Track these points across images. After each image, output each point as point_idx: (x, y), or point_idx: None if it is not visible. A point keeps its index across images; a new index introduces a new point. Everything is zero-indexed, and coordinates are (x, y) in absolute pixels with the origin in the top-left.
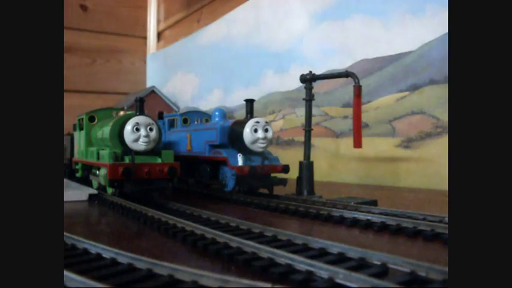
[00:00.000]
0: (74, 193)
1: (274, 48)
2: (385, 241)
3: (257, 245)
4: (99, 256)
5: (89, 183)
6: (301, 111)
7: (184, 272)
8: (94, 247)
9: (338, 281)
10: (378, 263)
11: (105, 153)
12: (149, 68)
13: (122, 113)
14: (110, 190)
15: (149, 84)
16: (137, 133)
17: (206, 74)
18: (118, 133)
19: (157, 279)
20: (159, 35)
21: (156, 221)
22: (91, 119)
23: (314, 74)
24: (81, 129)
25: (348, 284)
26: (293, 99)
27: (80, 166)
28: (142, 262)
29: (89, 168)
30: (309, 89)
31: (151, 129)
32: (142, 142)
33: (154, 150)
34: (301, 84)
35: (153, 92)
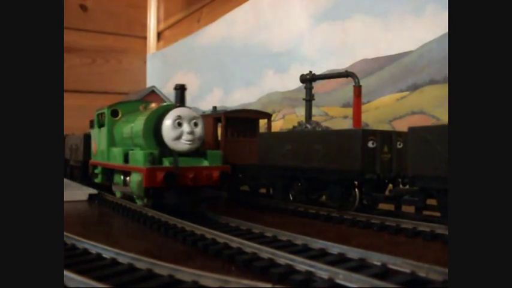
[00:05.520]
0: (74, 193)
1: (274, 48)
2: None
3: (257, 245)
4: (99, 256)
5: (110, 190)
6: (301, 111)
7: (184, 272)
8: (94, 247)
9: (338, 281)
10: (378, 263)
11: (138, 154)
12: (149, 68)
13: (153, 105)
14: (139, 201)
15: (149, 84)
16: (179, 129)
17: (206, 74)
18: (154, 129)
19: (157, 279)
20: (159, 35)
21: (156, 221)
22: (114, 113)
23: (314, 74)
24: (100, 126)
25: (348, 284)
26: (293, 99)
27: (99, 170)
28: (142, 262)
29: (110, 173)
30: (309, 89)
31: (196, 124)
32: (186, 140)
33: (199, 150)
34: (301, 84)
35: (153, 92)
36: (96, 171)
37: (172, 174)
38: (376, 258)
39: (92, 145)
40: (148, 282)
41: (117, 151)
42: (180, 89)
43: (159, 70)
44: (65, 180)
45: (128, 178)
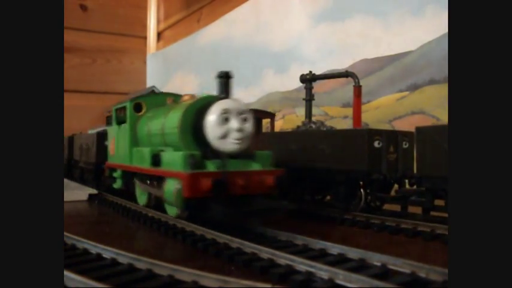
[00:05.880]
0: (74, 193)
1: (274, 48)
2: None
3: (257, 245)
4: (99, 256)
5: (131, 197)
6: (301, 111)
7: (184, 272)
8: (94, 247)
9: (338, 281)
10: (378, 264)
11: (176, 156)
12: (149, 68)
13: (186, 97)
14: (173, 210)
15: (149, 84)
16: (226, 125)
17: (206, 74)
18: (194, 126)
19: (157, 279)
20: (159, 35)
21: (156, 221)
22: (137, 107)
23: (314, 74)
24: (120, 122)
25: (348, 284)
26: (293, 99)
27: (119, 174)
28: (142, 262)
29: (131, 177)
30: (309, 89)
31: (245, 120)
32: (234, 139)
33: (247, 151)
34: (301, 84)
35: (153, 92)
36: (114, 174)
37: (222, 181)
38: (376, 259)
39: (109, 145)
40: (148, 282)
41: (141, 152)
42: (225, 77)
43: (159, 70)
44: (65, 180)
45: (136, 182)
